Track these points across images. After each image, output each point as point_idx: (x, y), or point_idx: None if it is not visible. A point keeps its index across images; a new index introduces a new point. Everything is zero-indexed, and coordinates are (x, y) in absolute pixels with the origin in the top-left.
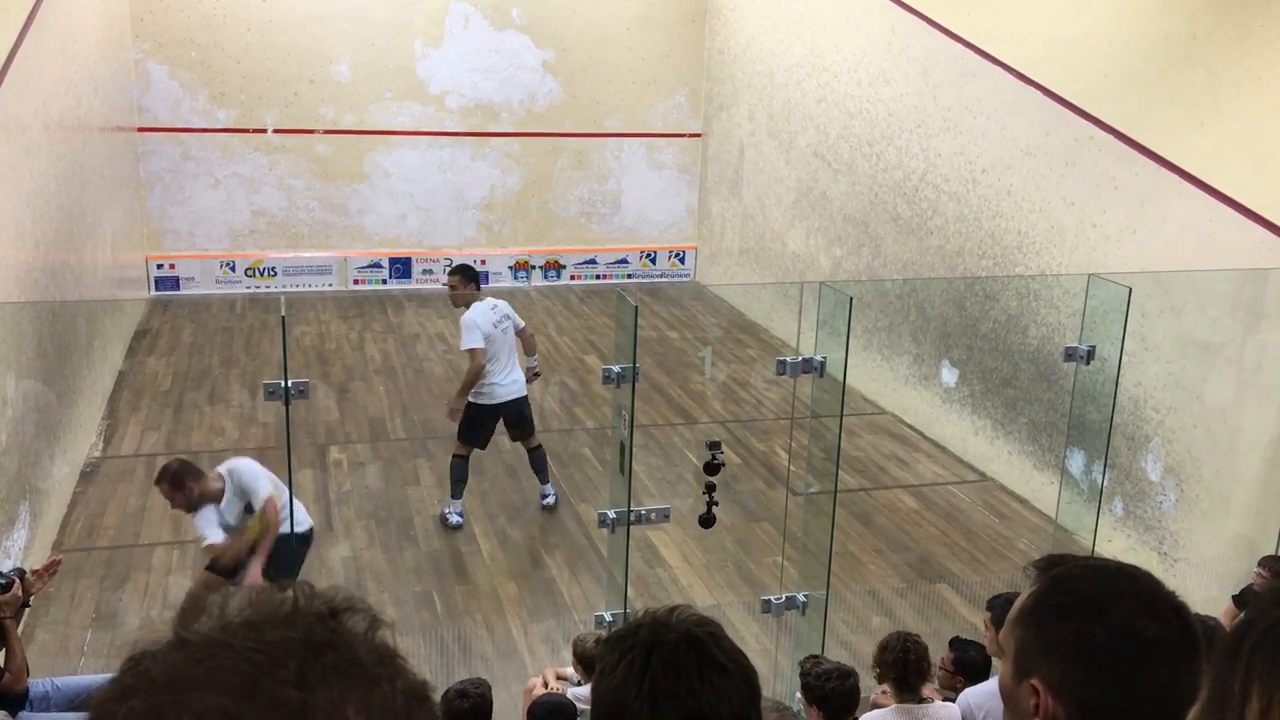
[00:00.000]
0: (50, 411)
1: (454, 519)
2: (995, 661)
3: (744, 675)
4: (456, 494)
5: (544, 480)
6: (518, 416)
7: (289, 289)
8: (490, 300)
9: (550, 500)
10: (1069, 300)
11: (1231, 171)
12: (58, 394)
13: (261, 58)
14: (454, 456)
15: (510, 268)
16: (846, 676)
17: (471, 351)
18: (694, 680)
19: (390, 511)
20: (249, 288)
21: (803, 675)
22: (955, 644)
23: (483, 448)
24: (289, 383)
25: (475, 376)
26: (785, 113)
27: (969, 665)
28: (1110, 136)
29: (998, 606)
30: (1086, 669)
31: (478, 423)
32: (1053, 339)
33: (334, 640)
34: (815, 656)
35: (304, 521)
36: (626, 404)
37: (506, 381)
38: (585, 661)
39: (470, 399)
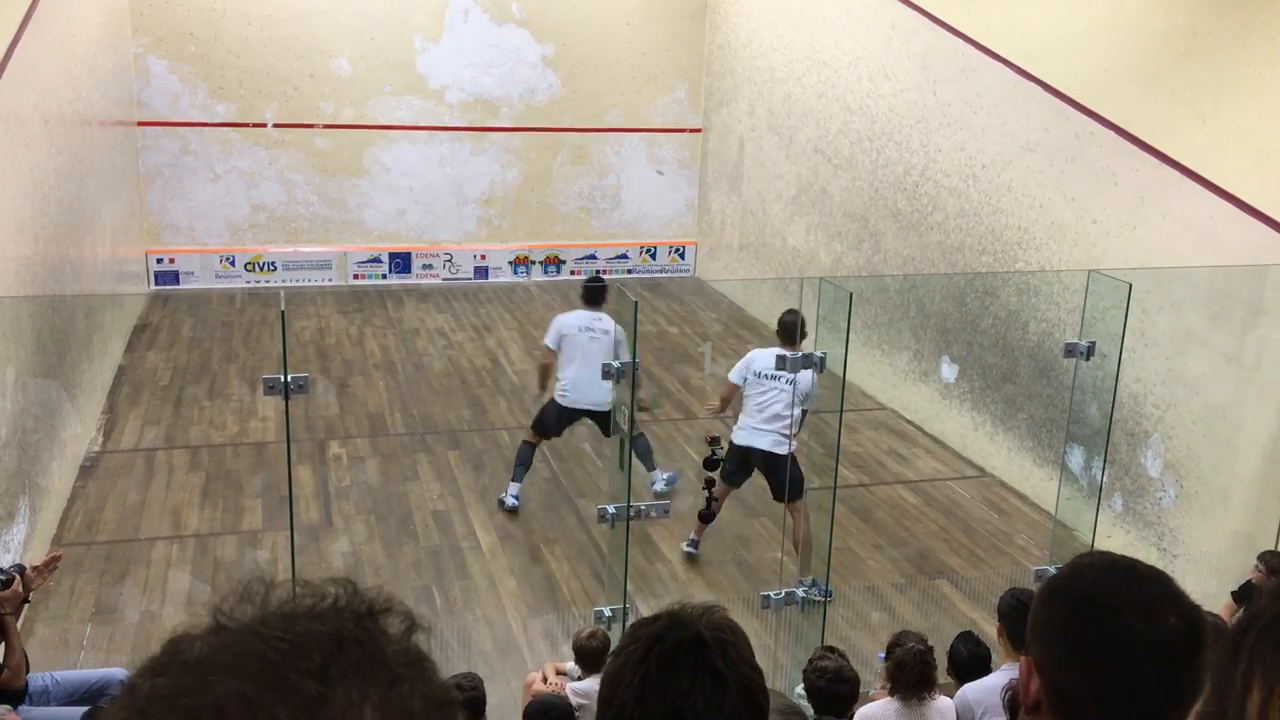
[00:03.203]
0: (54, 407)
1: (509, 501)
2: (995, 658)
3: (743, 688)
4: (516, 477)
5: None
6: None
7: (288, 283)
8: (591, 314)
9: (658, 486)
10: (1069, 296)
11: (1232, 167)
12: (56, 397)
13: (261, 52)
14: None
15: (510, 263)
16: (841, 682)
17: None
18: (684, 682)
19: (390, 506)
20: (248, 282)
21: (808, 662)
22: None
23: (546, 438)
24: (288, 377)
25: (541, 373)
26: (785, 108)
27: (954, 660)
28: (1110, 132)
29: (1002, 602)
30: (1060, 652)
31: (547, 416)
32: (1053, 335)
33: (363, 638)
34: (830, 649)
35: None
36: (626, 400)
37: (573, 389)
38: (584, 656)
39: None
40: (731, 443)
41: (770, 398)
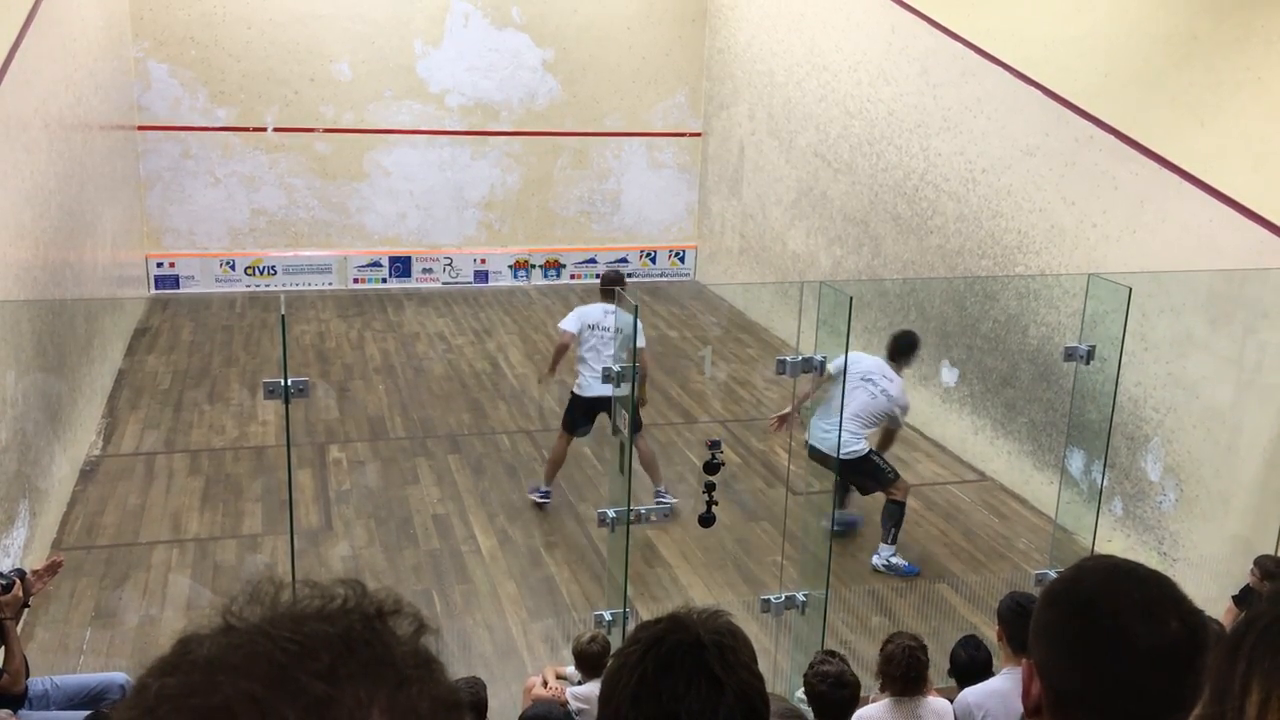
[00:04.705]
0: (56, 402)
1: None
2: (995, 661)
3: (740, 693)
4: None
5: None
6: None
7: (289, 288)
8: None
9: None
10: (1069, 300)
11: (1231, 171)
12: (58, 392)
13: (262, 56)
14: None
15: (510, 267)
16: (842, 686)
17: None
18: (679, 685)
19: (390, 510)
20: (249, 286)
21: (809, 666)
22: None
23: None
24: (288, 381)
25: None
26: (785, 112)
27: (955, 664)
28: (1110, 136)
29: (1003, 605)
30: (1062, 656)
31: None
32: (1052, 339)
33: (372, 639)
34: (831, 653)
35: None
36: (625, 403)
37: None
38: (584, 660)
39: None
40: (577, 396)
41: (600, 343)
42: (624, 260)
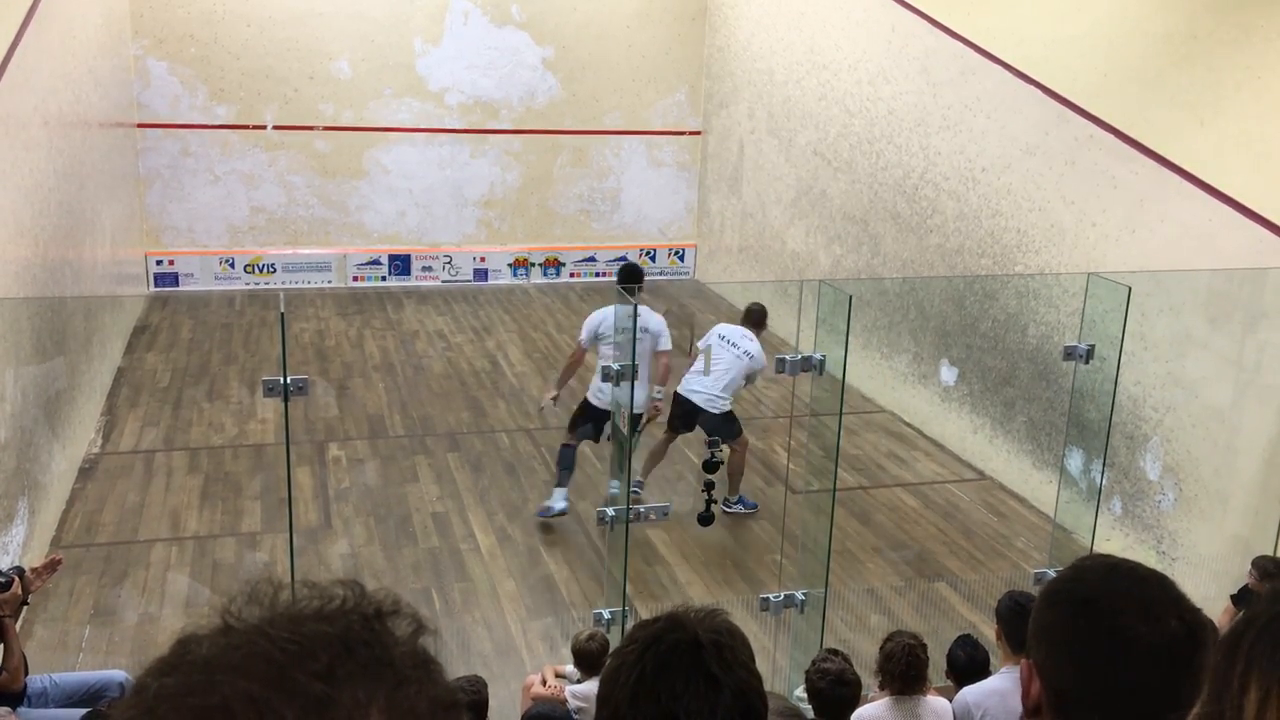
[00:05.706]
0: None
1: (556, 506)
2: (994, 660)
3: (738, 692)
4: (561, 481)
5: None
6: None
7: (288, 285)
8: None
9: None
10: (1068, 299)
11: (1231, 171)
12: (57, 391)
13: (261, 54)
14: (562, 445)
15: (509, 265)
16: (843, 685)
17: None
18: (677, 684)
19: (389, 509)
20: (248, 284)
21: (812, 663)
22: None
23: (594, 440)
24: (288, 379)
25: (569, 366)
26: (785, 111)
27: (953, 663)
28: (1110, 136)
29: (1001, 605)
30: (1062, 655)
31: (583, 417)
32: (1052, 338)
33: (371, 640)
34: (834, 652)
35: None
36: (624, 404)
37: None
38: (583, 658)
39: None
40: (678, 393)
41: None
42: (623, 258)
